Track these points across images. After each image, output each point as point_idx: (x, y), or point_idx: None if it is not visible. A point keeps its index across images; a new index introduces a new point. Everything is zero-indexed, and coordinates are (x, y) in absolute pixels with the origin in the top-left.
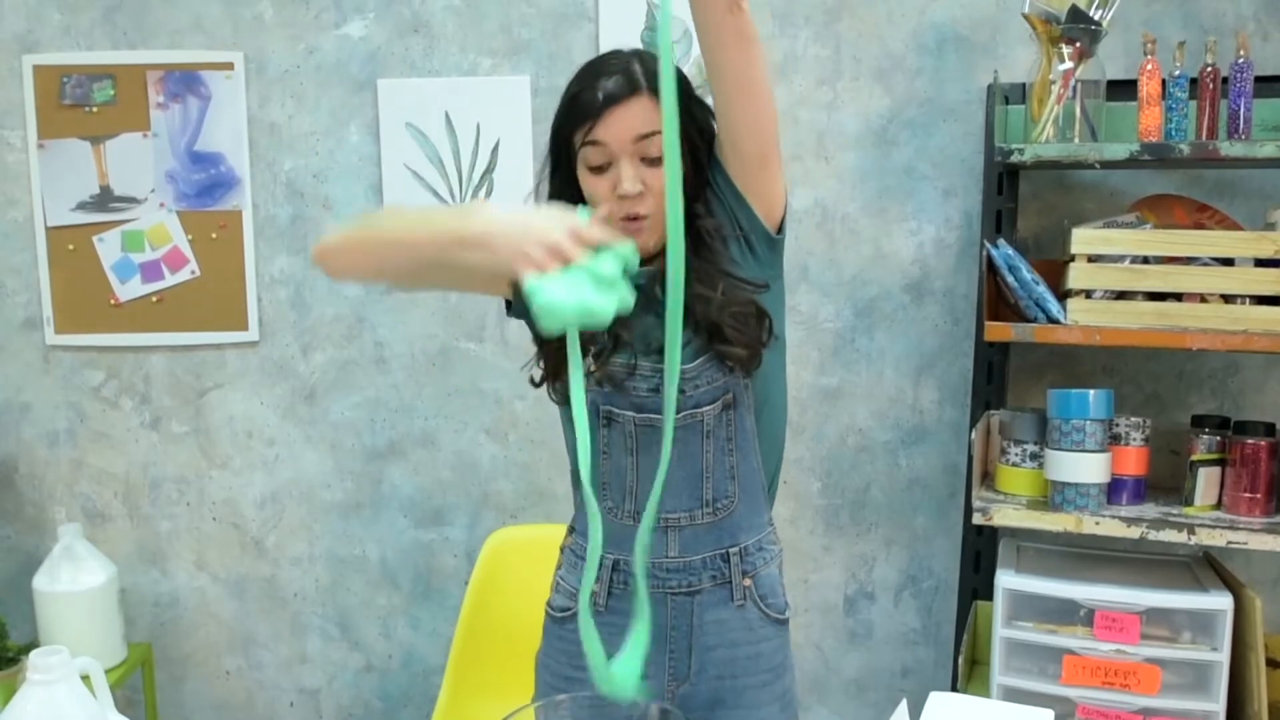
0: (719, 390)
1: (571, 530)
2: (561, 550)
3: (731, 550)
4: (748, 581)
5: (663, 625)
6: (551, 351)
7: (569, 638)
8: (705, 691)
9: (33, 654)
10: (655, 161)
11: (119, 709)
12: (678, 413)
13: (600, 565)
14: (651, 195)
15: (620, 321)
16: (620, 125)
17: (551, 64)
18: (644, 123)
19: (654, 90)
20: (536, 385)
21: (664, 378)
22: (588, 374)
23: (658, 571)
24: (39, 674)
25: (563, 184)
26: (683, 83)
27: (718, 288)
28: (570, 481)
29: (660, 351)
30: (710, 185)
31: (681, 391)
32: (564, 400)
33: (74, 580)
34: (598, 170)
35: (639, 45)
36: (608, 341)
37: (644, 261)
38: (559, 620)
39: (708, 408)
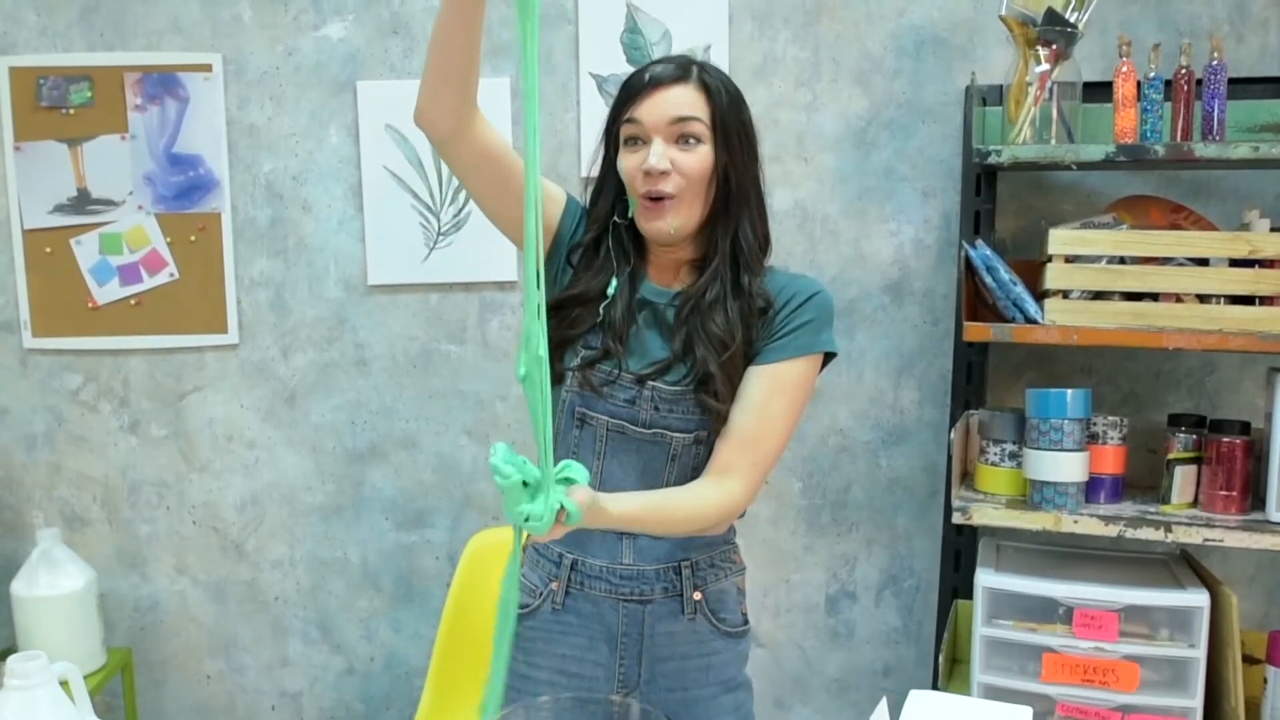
0: (693, 424)
1: None
2: (523, 549)
3: (684, 563)
4: (698, 595)
5: (614, 630)
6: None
7: (526, 635)
8: (655, 703)
9: (10, 659)
10: (688, 145)
11: (98, 714)
12: (648, 428)
13: (559, 563)
14: (680, 176)
15: (616, 332)
16: (659, 106)
17: None
18: (683, 106)
19: (703, 82)
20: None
21: (641, 394)
22: (570, 375)
23: (611, 577)
24: (17, 680)
25: (606, 169)
26: (737, 106)
27: (733, 343)
28: None
29: (652, 375)
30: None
31: (656, 409)
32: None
33: (52, 585)
34: (632, 145)
35: (619, 47)
36: (598, 349)
37: (667, 279)
38: (517, 617)
39: (678, 435)
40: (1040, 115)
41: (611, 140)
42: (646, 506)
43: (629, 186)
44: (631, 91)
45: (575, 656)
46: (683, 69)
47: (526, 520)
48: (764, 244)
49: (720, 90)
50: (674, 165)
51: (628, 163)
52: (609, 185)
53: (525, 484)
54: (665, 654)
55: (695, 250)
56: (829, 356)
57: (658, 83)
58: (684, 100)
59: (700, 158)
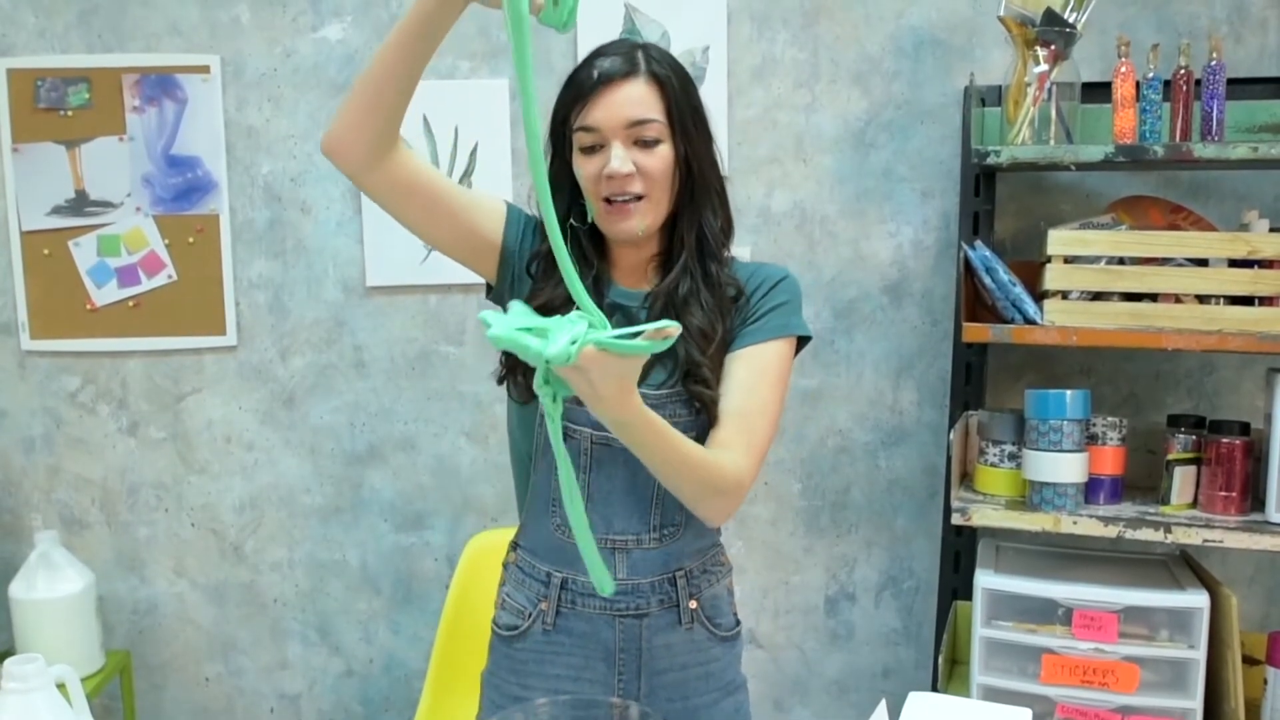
0: (680, 428)
1: (516, 546)
2: (505, 567)
3: (678, 573)
4: (694, 603)
5: (611, 647)
6: None
7: (517, 656)
8: (656, 712)
9: (8, 662)
10: (648, 146)
11: (96, 717)
12: None
13: (548, 583)
14: (645, 177)
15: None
16: (613, 108)
17: None
18: (637, 108)
19: (653, 74)
20: (500, 382)
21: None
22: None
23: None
24: (15, 682)
25: (560, 168)
26: (687, 89)
27: (715, 334)
28: (515, 493)
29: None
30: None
31: None
32: (523, 397)
33: (50, 587)
34: (589, 151)
35: None
36: None
37: (639, 282)
38: (506, 639)
39: None
40: (1039, 116)
41: (563, 140)
42: (668, 426)
43: (588, 192)
44: (581, 91)
45: (571, 676)
46: (630, 62)
47: (548, 364)
48: (727, 229)
49: (670, 78)
50: (637, 167)
51: (587, 169)
52: (563, 187)
53: (531, 330)
54: (664, 666)
55: (660, 245)
56: (802, 342)
57: (607, 79)
58: (637, 98)
59: (661, 157)
